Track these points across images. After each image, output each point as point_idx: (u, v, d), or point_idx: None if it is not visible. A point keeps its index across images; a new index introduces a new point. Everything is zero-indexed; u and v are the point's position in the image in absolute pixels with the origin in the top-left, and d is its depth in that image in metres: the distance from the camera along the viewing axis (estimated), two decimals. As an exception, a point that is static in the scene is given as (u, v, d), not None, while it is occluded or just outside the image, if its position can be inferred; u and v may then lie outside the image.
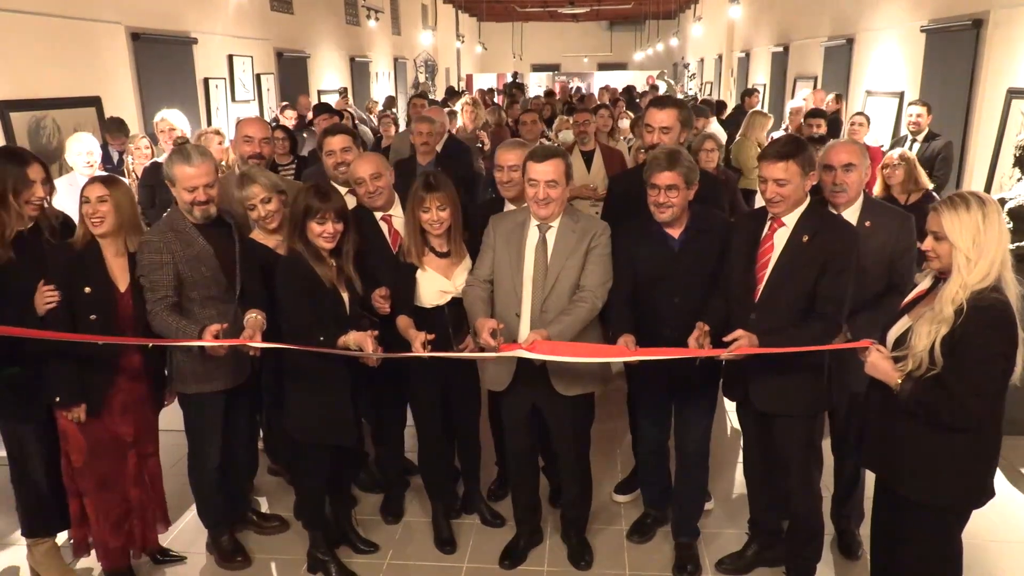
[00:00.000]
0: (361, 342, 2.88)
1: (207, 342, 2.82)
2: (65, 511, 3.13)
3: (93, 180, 2.97)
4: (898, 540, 2.51)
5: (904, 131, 6.93)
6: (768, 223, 2.87)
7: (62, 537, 3.29)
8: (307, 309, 2.95)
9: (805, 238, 2.78)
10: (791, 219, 2.82)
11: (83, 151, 4.61)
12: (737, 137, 7.44)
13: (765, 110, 9.62)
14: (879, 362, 2.39)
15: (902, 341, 2.38)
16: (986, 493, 2.39)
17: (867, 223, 3.01)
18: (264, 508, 3.78)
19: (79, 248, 2.90)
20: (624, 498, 3.85)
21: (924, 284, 2.46)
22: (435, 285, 3.17)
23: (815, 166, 2.81)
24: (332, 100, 10.79)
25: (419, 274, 3.17)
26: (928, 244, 2.33)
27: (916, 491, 2.39)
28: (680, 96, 14.86)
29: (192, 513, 3.50)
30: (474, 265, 3.19)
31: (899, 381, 2.33)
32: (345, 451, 3.25)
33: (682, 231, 3.01)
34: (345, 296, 3.06)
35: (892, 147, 6.20)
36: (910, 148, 5.70)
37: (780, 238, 2.83)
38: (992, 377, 2.22)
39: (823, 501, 3.11)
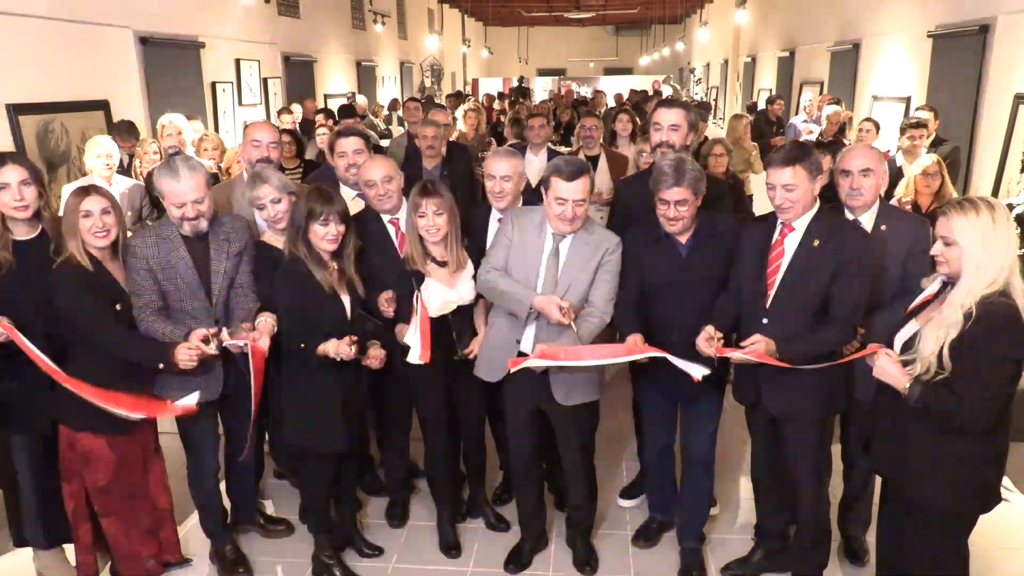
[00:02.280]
0: (337, 349, 2.89)
1: (229, 342, 2.80)
2: (58, 525, 3.08)
3: (86, 192, 2.83)
4: (905, 545, 2.51)
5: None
6: (778, 228, 2.87)
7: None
8: (299, 316, 2.95)
9: (816, 243, 2.78)
10: (801, 224, 2.81)
11: (103, 154, 4.63)
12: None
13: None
14: (887, 366, 2.39)
15: (910, 345, 2.38)
16: (994, 498, 2.38)
17: (883, 227, 3.02)
18: (270, 511, 3.78)
19: (86, 267, 2.78)
20: (629, 503, 3.84)
21: (931, 288, 2.46)
22: (440, 295, 3.15)
23: (822, 169, 2.81)
24: (339, 105, 10.80)
25: (424, 285, 3.15)
26: (937, 249, 2.33)
27: (924, 495, 2.38)
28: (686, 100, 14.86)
29: (197, 516, 3.50)
30: (488, 254, 3.16)
31: (907, 385, 2.33)
32: (349, 455, 3.26)
33: (690, 236, 3.01)
34: (346, 300, 3.06)
35: (898, 152, 6.17)
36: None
37: (791, 243, 2.83)
38: (1002, 381, 2.22)
39: (830, 506, 3.10)
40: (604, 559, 3.41)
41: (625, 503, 3.85)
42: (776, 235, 2.87)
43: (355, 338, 2.92)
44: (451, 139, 5.97)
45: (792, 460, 2.97)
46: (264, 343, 2.88)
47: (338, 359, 2.91)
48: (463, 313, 3.23)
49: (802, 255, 2.79)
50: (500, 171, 3.29)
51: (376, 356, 3.03)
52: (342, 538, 3.42)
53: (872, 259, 2.83)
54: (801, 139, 7.30)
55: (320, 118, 8.18)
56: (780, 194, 2.76)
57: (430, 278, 3.15)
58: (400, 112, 11.42)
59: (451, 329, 3.20)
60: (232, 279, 3.05)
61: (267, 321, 2.94)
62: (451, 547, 3.48)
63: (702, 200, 2.98)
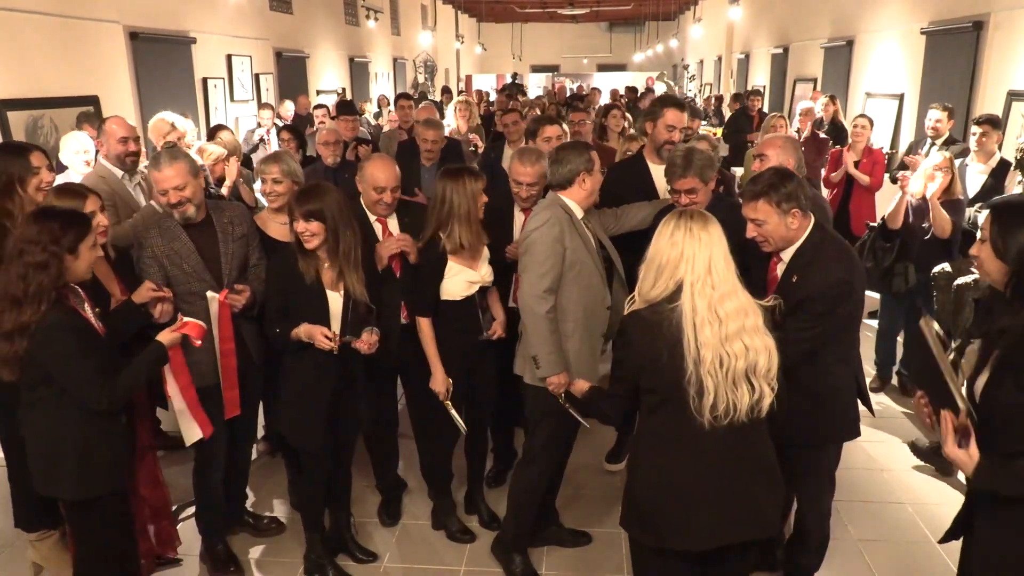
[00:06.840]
0: (311, 334, 2.91)
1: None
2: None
3: (81, 194, 2.83)
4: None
5: (911, 136, 6.90)
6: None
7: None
8: (280, 303, 3.01)
9: (795, 278, 2.65)
10: (787, 255, 2.69)
11: (80, 149, 4.55)
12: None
13: (765, 111, 9.61)
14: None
15: None
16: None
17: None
18: (263, 510, 3.75)
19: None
20: (616, 467, 4.05)
21: None
22: (463, 276, 3.22)
23: (799, 199, 2.61)
24: (330, 100, 10.78)
25: (447, 268, 3.19)
26: None
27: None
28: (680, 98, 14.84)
29: (189, 516, 3.48)
30: (540, 280, 2.93)
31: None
32: (344, 459, 3.28)
33: None
34: (333, 296, 3.01)
35: (908, 150, 6.15)
36: (927, 152, 5.65)
37: (779, 271, 2.74)
38: (618, 379, 2.37)
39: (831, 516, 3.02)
40: (601, 556, 3.41)
41: (612, 467, 4.05)
42: (770, 259, 2.78)
43: (334, 332, 2.93)
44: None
45: (791, 481, 2.69)
46: (237, 302, 3.04)
47: (309, 340, 2.91)
48: (482, 292, 3.35)
49: (784, 288, 2.66)
50: (527, 179, 3.33)
51: (367, 340, 2.98)
52: (335, 543, 3.38)
53: None
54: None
55: (319, 113, 8.13)
56: (750, 228, 2.65)
57: (452, 262, 3.20)
58: (391, 108, 11.39)
59: (476, 311, 3.30)
60: (243, 261, 3.17)
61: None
62: (463, 531, 3.54)
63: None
